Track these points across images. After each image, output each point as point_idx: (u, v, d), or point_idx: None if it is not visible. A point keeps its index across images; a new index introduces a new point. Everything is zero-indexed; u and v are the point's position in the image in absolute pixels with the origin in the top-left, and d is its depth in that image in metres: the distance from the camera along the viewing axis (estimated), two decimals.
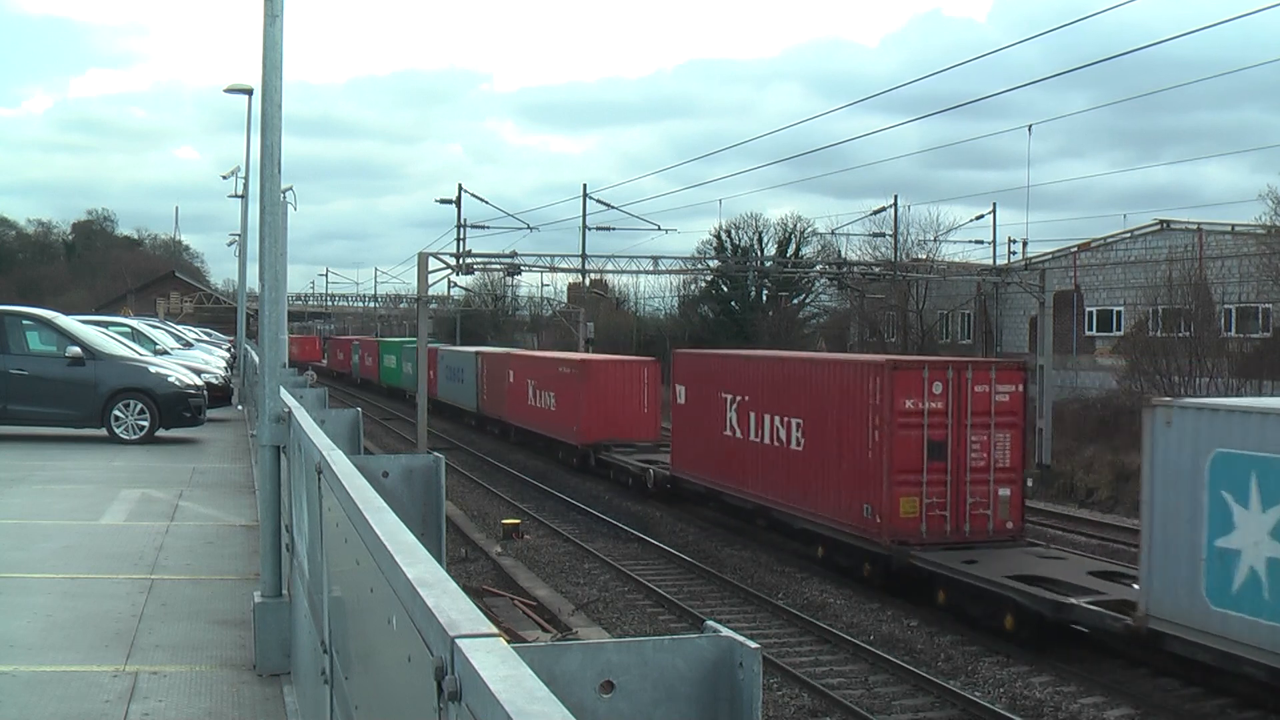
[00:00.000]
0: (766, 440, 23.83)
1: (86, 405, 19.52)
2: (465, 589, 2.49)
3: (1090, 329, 53.47)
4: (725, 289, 73.04)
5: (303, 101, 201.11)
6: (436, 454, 5.49)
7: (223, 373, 29.51)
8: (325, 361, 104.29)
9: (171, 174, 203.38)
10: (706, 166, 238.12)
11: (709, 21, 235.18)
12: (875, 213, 56.61)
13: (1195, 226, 48.14)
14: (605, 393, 34.90)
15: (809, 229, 72.17)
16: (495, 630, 2.00)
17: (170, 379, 20.35)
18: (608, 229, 50.47)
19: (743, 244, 72.71)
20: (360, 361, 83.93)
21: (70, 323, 21.59)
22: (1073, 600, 16.12)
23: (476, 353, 51.97)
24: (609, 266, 52.49)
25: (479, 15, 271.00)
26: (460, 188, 51.01)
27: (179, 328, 43.05)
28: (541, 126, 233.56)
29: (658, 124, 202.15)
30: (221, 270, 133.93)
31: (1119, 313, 51.42)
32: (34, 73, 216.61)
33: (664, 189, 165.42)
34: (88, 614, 8.67)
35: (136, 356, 21.71)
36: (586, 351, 55.74)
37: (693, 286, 76.70)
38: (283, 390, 8.12)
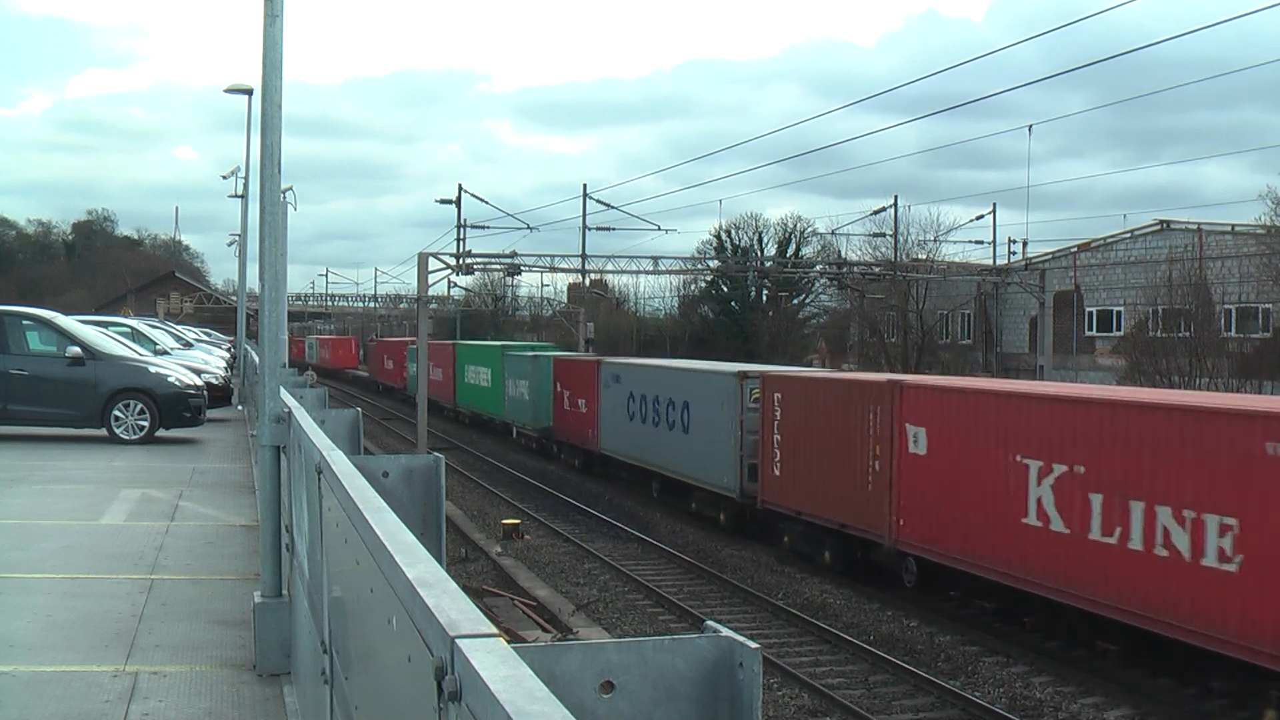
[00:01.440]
0: None
1: (86, 405, 19.52)
2: (465, 589, 2.49)
3: (1090, 329, 53.48)
4: (725, 289, 73.08)
5: (301, 101, 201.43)
6: (436, 454, 5.49)
7: (223, 373, 29.51)
8: (366, 371, 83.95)
9: (171, 174, 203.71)
10: (705, 166, 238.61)
11: (706, 22, 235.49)
12: (875, 213, 56.69)
13: (1195, 227, 48.15)
14: None
15: (809, 229, 72.30)
16: (495, 630, 2.00)
17: (170, 379, 20.35)
18: (607, 229, 50.57)
19: (743, 244, 72.75)
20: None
21: (70, 323, 21.59)
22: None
23: (739, 374, 25.18)
24: (609, 266, 52.60)
25: (477, 16, 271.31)
26: (460, 188, 51.08)
27: (179, 328, 43.05)
28: (539, 126, 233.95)
29: (656, 124, 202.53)
30: (221, 270, 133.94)
31: (1119, 313, 51.43)
32: (33, 73, 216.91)
33: (663, 189, 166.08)
34: (88, 614, 8.67)
35: (136, 356, 21.70)
36: (587, 352, 53.85)
37: (693, 286, 76.78)
38: (283, 390, 8.12)
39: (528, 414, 41.30)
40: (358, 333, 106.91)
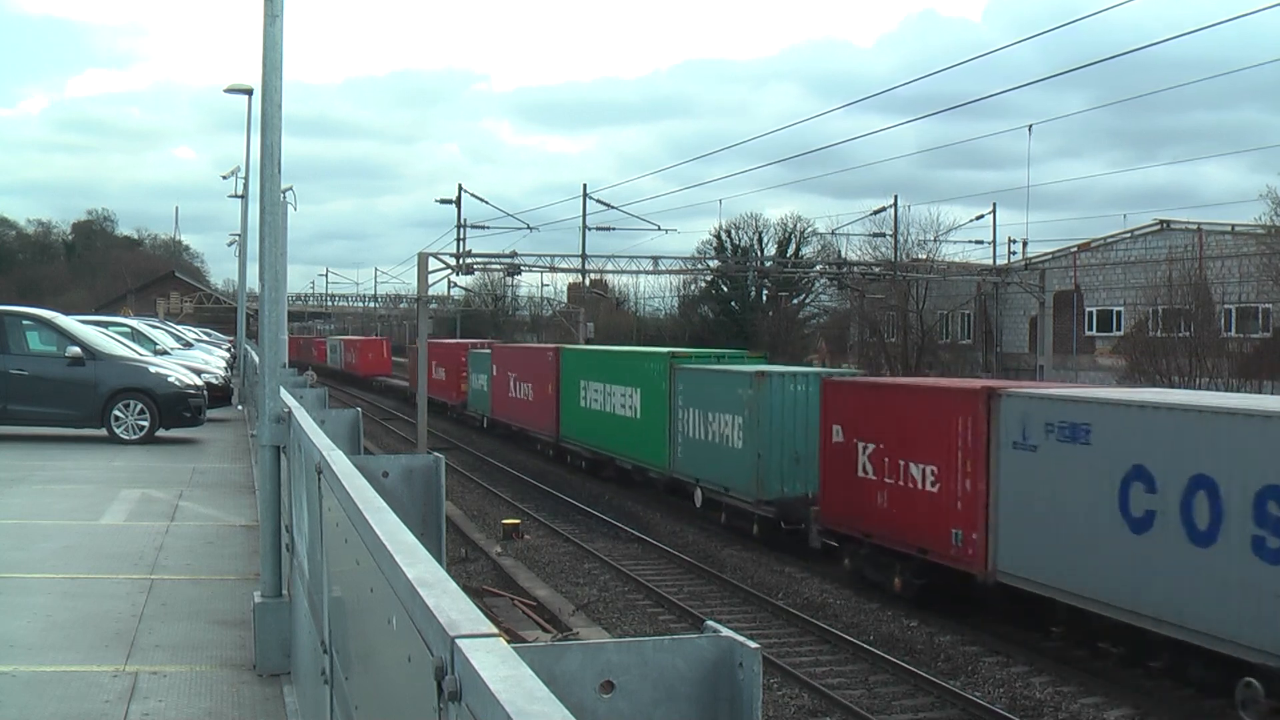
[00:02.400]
0: None
1: (86, 405, 19.52)
2: (465, 589, 2.49)
3: (1090, 329, 53.50)
4: (725, 289, 73.17)
5: (300, 101, 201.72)
6: (436, 454, 5.49)
7: (223, 373, 29.51)
8: (407, 380, 64.39)
9: (170, 174, 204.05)
10: (704, 166, 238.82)
11: (704, 22, 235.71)
12: (875, 213, 56.76)
13: (1195, 226, 48.18)
14: None
15: (809, 229, 72.43)
16: (495, 630, 2.00)
17: (170, 379, 20.36)
18: (607, 229, 50.63)
19: (743, 244, 72.84)
20: (496, 389, 44.65)
21: (70, 323, 21.59)
22: None
23: None
24: (609, 266, 52.67)
25: (476, 16, 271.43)
26: (460, 188, 51.09)
27: (179, 328, 43.05)
28: (539, 126, 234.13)
29: (655, 124, 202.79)
30: (221, 270, 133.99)
31: (1119, 313, 51.45)
32: (32, 73, 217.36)
33: (662, 189, 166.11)
34: (88, 614, 8.67)
35: (136, 356, 21.71)
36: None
37: (693, 286, 76.89)
38: (283, 390, 8.12)
39: (744, 474, 23.63)
40: (361, 332, 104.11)
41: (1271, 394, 31.82)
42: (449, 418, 52.62)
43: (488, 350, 47.60)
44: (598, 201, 50.90)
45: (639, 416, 30.16)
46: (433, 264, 43.39)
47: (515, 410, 42.05)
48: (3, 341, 19.70)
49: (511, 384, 42.33)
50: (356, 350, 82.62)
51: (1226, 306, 44.06)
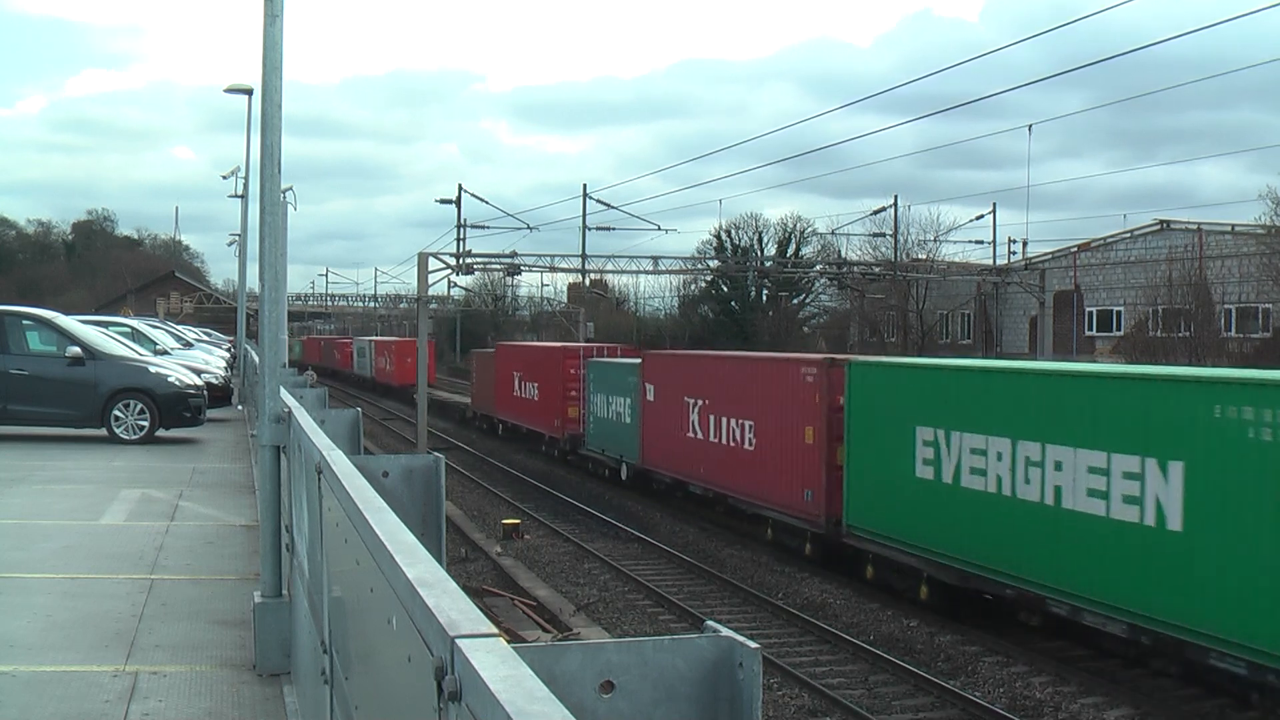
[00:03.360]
0: None
1: (86, 405, 19.52)
2: (465, 589, 2.48)
3: (1090, 329, 53.50)
4: (725, 289, 73.20)
5: (297, 101, 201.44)
6: (436, 454, 5.48)
7: (223, 373, 29.51)
8: (469, 397, 53.01)
9: (168, 174, 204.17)
10: (703, 167, 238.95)
11: (701, 22, 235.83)
12: (875, 213, 56.79)
13: (1195, 226, 48.19)
14: None
15: (809, 229, 72.46)
16: (495, 630, 2.00)
17: (170, 379, 20.36)
18: (607, 229, 50.62)
19: (742, 244, 72.87)
20: (652, 423, 28.93)
21: (70, 323, 21.59)
22: None
23: None
24: (609, 266, 52.69)
25: (472, 15, 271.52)
26: (460, 188, 51.09)
27: (179, 328, 43.03)
28: (536, 126, 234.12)
29: (652, 124, 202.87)
30: (221, 270, 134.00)
31: (1119, 313, 51.45)
32: (29, 73, 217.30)
33: (661, 189, 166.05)
34: (88, 614, 8.67)
35: (136, 356, 21.70)
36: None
37: (693, 286, 76.91)
38: (283, 390, 8.12)
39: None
40: (362, 332, 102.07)
41: None
42: (545, 454, 38.53)
43: (634, 360, 31.81)
44: (597, 201, 50.97)
45: (1165, 524, 13.38)
46: (433, 264, 43.42)
47: (703, 463, 26.14)
48: (3, 341, 19.70)
49: (694, 416, 26.64)
50: (391, 354, 69.55)
51: (1226, 306, 44.08)
